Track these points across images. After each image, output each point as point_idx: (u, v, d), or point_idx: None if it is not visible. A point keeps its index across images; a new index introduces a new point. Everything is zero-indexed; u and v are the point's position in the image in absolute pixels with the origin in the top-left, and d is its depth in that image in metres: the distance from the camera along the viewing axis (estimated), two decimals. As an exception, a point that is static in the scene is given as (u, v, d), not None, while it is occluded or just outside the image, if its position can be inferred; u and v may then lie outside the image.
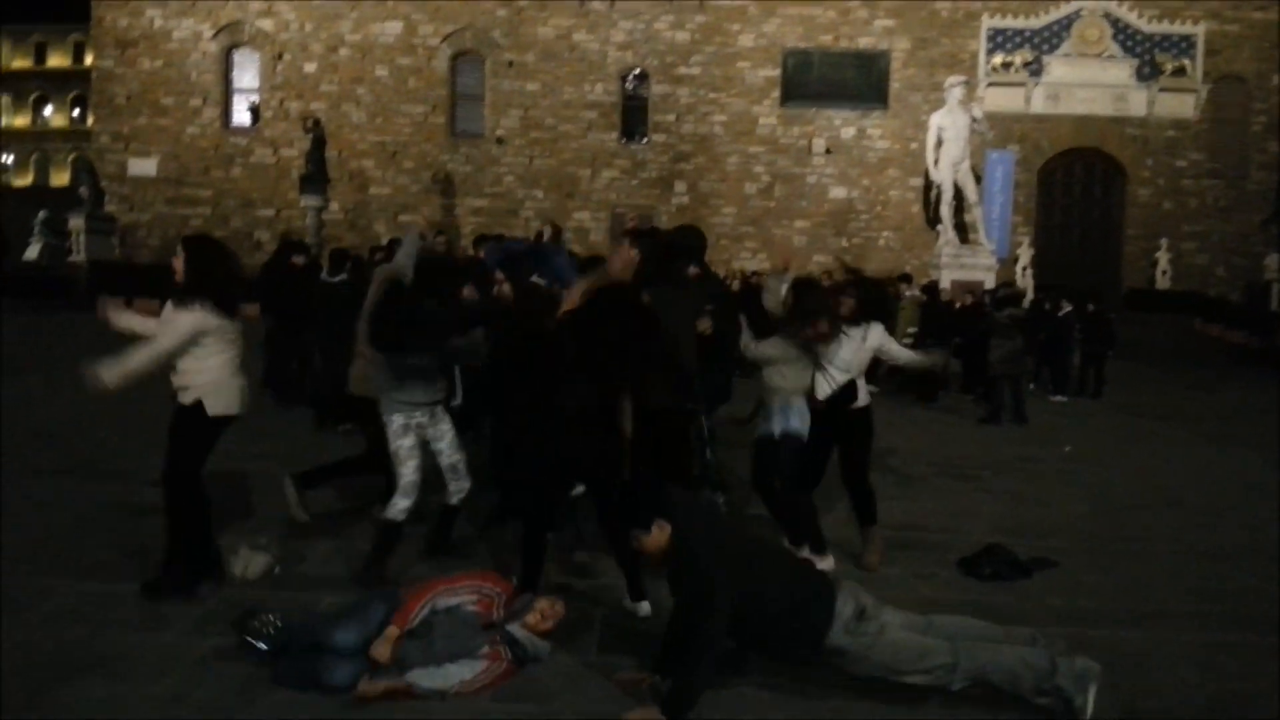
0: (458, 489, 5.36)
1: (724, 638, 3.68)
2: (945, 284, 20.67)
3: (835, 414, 5.56)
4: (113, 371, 4.50)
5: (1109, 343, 15.03)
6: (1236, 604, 5.26)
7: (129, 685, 3.70)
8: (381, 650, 3.75)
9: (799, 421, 5.48)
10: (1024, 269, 25.34)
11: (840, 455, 5.77)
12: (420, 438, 5.13)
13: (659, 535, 3.79)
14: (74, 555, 5.24)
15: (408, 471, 5.03)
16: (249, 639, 3.94)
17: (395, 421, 5.04)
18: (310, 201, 24.45)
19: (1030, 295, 24.52)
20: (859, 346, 5.57)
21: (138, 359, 4.55)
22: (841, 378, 5.50)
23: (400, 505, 5.04)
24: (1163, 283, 25.97)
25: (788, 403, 5.49)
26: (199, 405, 4.66)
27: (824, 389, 5.50)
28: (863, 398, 5.64)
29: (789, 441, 5.48)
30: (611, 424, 4.80)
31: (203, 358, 4.65)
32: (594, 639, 4.36)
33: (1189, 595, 5.40)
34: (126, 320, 5.03)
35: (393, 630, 3.82)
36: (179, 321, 4.64)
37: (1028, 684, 3.70)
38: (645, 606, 4.63)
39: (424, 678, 3.70)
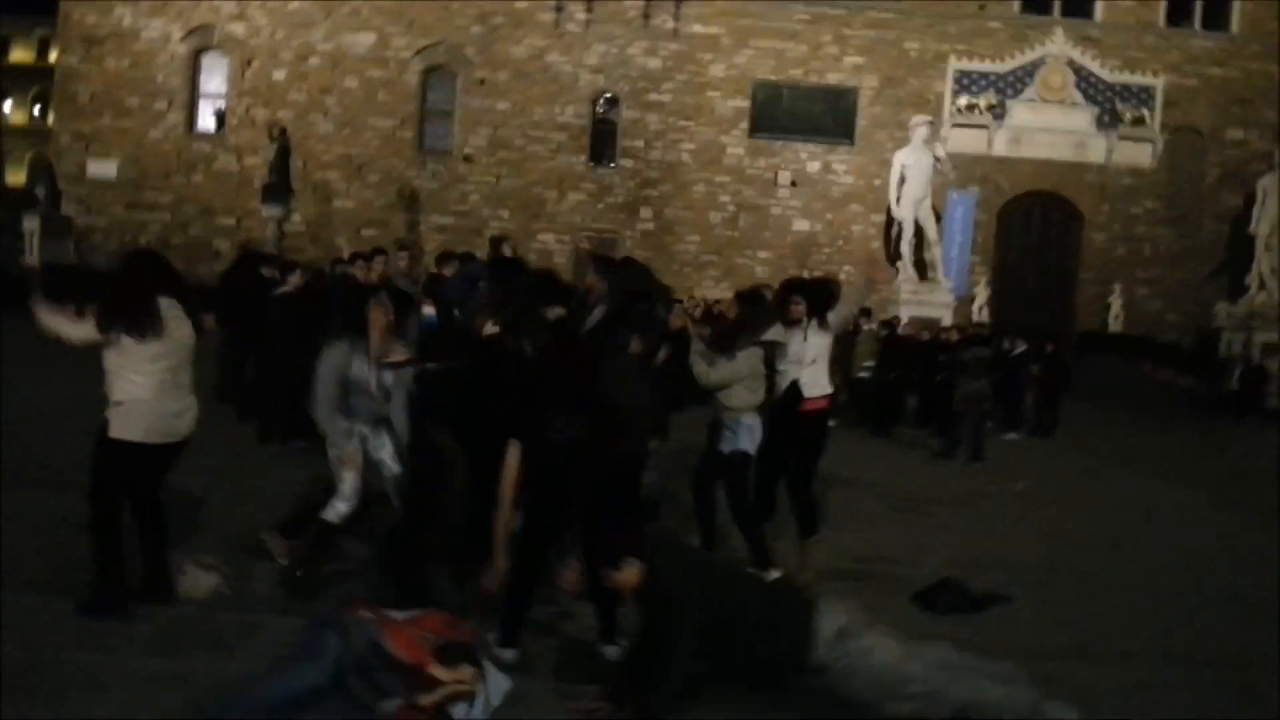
0: (395, 501, 5.29)
1: (687, 666, 3.65)
2: (904, 319, 20.92)
3: (789, 417, 5.85)
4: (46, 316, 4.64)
5: (1064, 383, 15.31)
6: (1184, 641, 5.37)
7: (70, 706, 3.60)
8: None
9: (748, 440, 5.77)
10: (980, 308, 25.77)
11: (790, 461, 6.00)
12: (361, 447, 5.10)
13: (631, 573, 3.78)
14: (15, 568, 5.08)
15: (351, 478, 5.02)
16: None
17: (339, 424, 5.03)
18: (272, 212, 24.17)
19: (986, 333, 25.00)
20: (803, 340, 5.93)
21: (57, 322, 4.70)
22: (793, 370, 5.83)
23: (338, 509, 5.02)
24: (1115, 326, 26.50)
25: (737, 421, 5.74)
26: (105, 426, 4.53)
27: (780, 386, 5.84)
28: (815, 390, 5.87)
29: (738, 458, 5.78)
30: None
31: (116, 378, 4.53)
32: (549, 667, 4.32)
33: (1138, 632, 5.49)
34: (54, 321, 4.87)
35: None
36: (77, 326, 4.62)
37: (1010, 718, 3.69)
38: (614, 650, 4.47)
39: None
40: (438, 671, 3.61)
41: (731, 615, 3.74)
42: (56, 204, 24.89)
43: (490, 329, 5.34)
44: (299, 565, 5.07)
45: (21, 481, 6.92)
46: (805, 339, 5.93)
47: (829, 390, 6.14)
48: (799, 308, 5.97)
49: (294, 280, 9.39)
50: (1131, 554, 7.49)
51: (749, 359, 5.75)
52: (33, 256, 23.77)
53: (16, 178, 48.19)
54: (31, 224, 23.92)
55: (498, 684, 3.74)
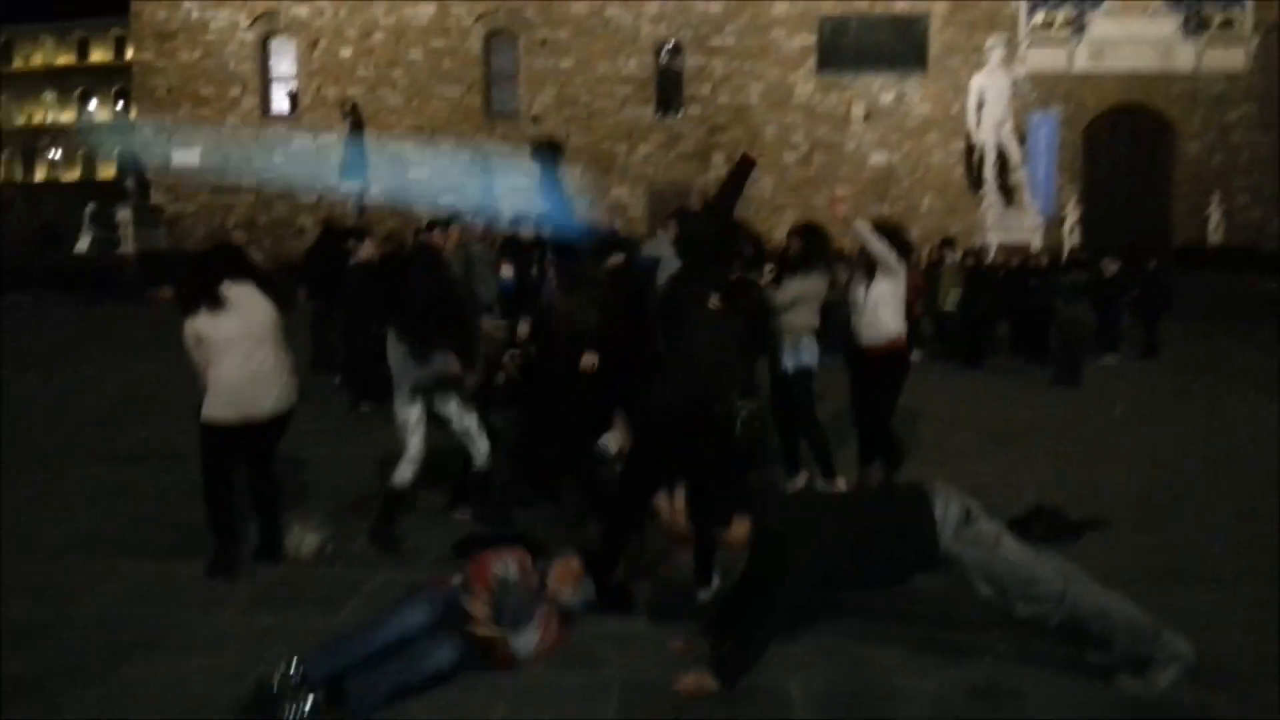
0: (477, 452, 5.50)
1: (789, 614, 3.68)
2: (991, 247, 20.38)
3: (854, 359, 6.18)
4: None
5: (1165, 302, 14.75)
6: (1290, 563, 5.17)
7: (191, 660, 3.80)
8: (483, 629, 3.71)
9: (810, 357, 6.27)
10: (1071, 229, 24.91)
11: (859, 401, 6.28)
12: (427, 408, 5.32)
13: (739, 529, 3.80)
14: (133, 537, 5.37)
15: (414, 442, 5.26)
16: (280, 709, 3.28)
17: (403, 390, 5.26)
18: (350, 186, 24.63)
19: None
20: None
21: None
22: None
23: (404, 473, 5.27)
24: (1215, 238, 25.37)
25: (799, 340, 6.22)
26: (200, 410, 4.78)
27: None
28: (878, 336, 5.97)
29: (802, 373, 6.26)
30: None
31: (204, 363, 4.76)
32: (642, 607, 4.39)
33: (1240, 555, 5.31)
34: None
35: (480, 606, 3.77)
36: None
37: (1122, 639, 3.63)
38: (706, 593, 4.54)
39: (516, 642, 3.73)
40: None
41: (852, 534, 3.72)
42: (146, 194, 25.75)
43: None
44: (376, 529, 5.28)
45: (133, 456, 7.27)
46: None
47: (889, 335, 6.03)
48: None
49: (366, 249, 9.56)
50: (1232, 475, 7.23)
51: (813, 282, 6.21)
52: (128, 246, 24.68)
53: (107, 172, 49.92)
54: (125, 214, 24.81)
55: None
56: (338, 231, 11.79)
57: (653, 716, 3.41)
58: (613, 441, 6.11)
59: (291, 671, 3.29)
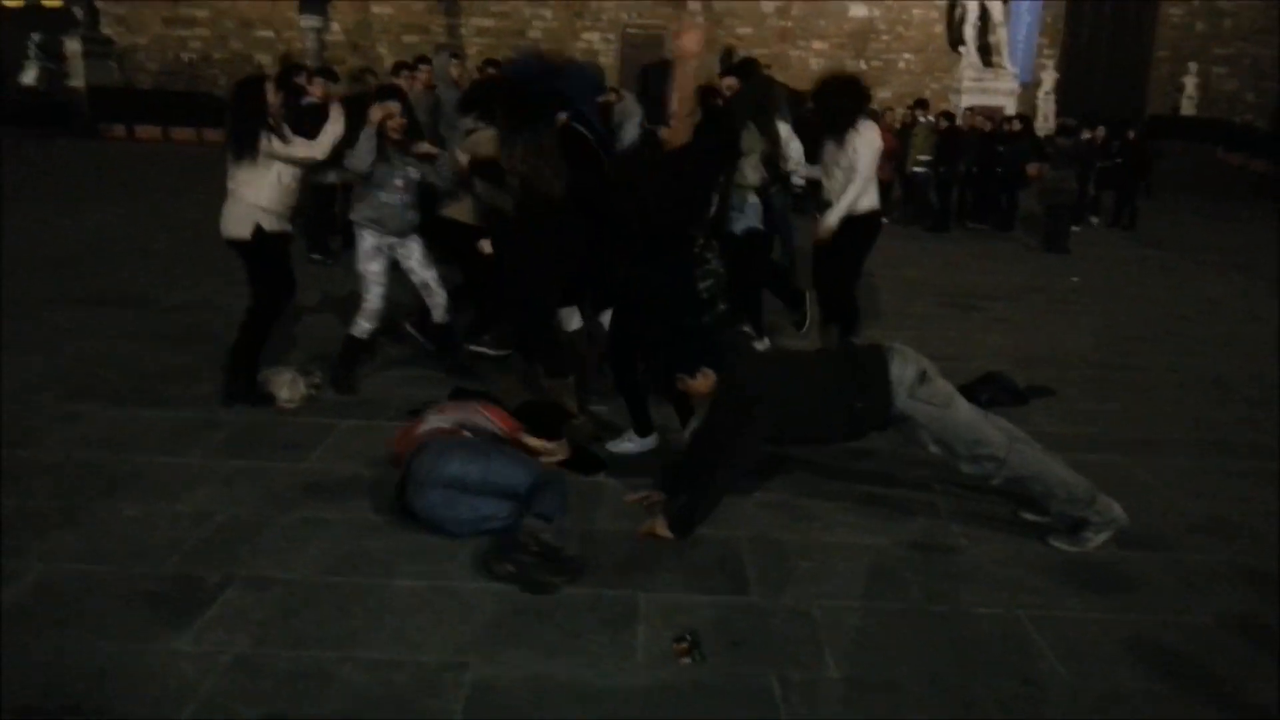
0: (434, 305, 5.56)
1: (745, 466, 3.83)
2: (965, 108, 20.07)
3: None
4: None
5: (1144, 172, 14.77)
6: (1232, 432, 5.40)
7: (160, 503, 3.89)
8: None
9: (755, 217, 5.98)
10: (1046, 94, 24.56)
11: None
12: (390, 259, 5.37)
13: (704, 381, 3.90)
14: (96, 382, 5.38)
15: (372, 297, 5.34)
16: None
17: (366, 241, 5.29)
18: (310, 22, 23.55)
19: (1051, 121, 23.94)
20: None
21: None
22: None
23: (363, 327, 5.39)
24: (1188, 108, 25.18)
25: (745, 199, 5.89)
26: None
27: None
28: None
29: (751, 235, 5.97)
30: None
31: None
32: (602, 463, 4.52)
33: (1185, 423, 5.53)
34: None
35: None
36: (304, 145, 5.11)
37: (1059, 502, 3.82)
38: (630, 446, 4.68)
39: None
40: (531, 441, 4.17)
41: (811, 391, 3.85)
42: (95, 24, 24.51)
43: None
44: (335, 375, 5.41)
45: (91, 299, 7.20)
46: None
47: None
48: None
49: (316, 90, 9.23)
50: (1183, 345, 7.44)
51: (749, 135, 5.75)
52: (78, 79, 23.65)
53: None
54: (73, 46, 23.67)
55: None
56: (294, 70, 11.33)
57: (609, 561, 3.56)
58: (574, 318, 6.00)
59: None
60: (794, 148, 6.60)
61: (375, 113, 5.11)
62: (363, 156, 5.09)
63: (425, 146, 5.46)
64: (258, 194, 4.98)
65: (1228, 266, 11.34)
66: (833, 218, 5.74)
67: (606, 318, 5.46)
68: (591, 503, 4.08)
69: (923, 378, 3.84)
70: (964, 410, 3.88)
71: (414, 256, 5.42)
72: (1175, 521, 4.18)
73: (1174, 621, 3.35)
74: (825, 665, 3.00)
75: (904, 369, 3.84)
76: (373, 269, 5.32)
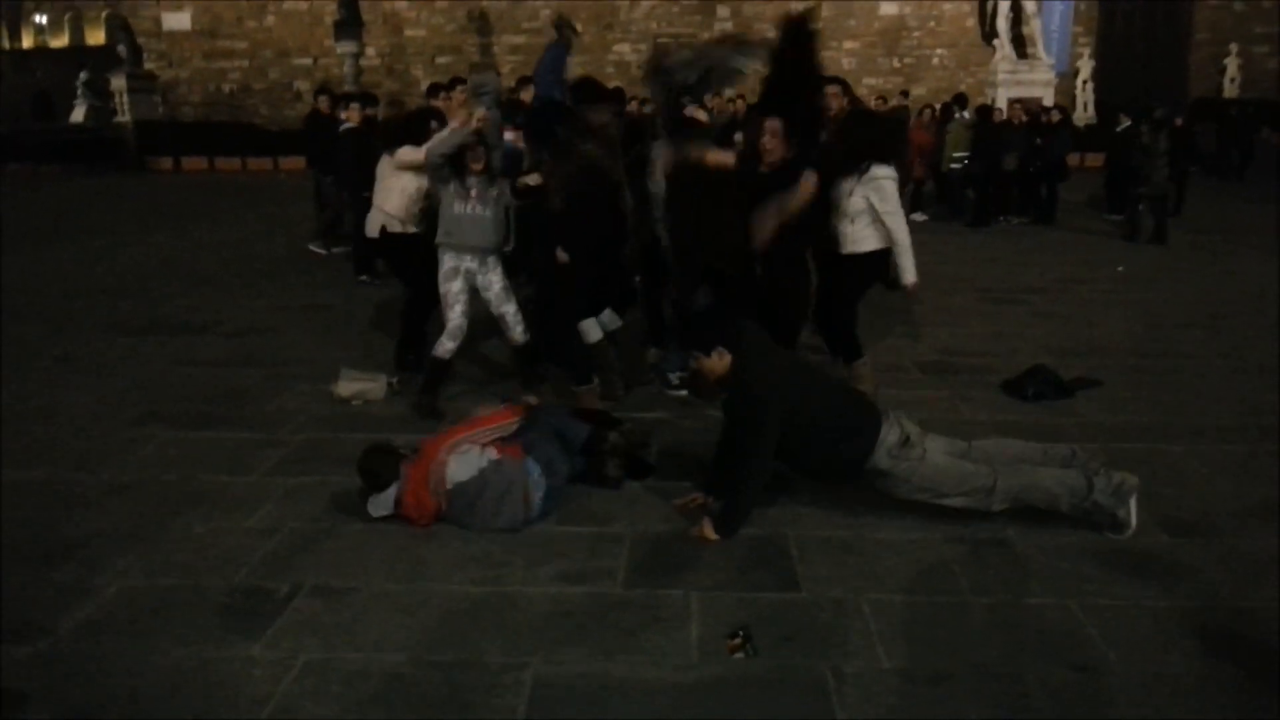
0: (514, 336, 5.60)
1: (771, 460, 3.88)
2: (1001, 102, 19.94)
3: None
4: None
5: (1193, 159, 14.57)
6: (1276, 418, 5.34)
7: (228, 520, 4.04)
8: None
9: None
10: (1084, 82, 24.33)
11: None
12: (470, 283, 5.38)
13: (718, 361, 3.96)
14: (158, 407, 5.57)
15: (453, 315, 5.35)
16: None
17: (445, 263, 5.33)
18: (346, 48, 24.06)
19: (1091, 110, 23.69)
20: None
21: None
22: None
23: (445, 345, 5.41)
24: (1231, 90, 24.76)
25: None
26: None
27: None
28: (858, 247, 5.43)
29: None
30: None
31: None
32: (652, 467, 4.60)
33: (1230, 409, 5.49)
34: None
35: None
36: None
37: (1066, 503, 3.87)
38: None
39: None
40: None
41: (810, 417, 3.91)
42: (138, 61, 25.20)
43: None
44: (419, 399, 5.46)
45: (144, 328, 7.44)
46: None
47: (869, 247, 5.42)
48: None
49: (353, 115, 9.46)
50: (1229, 331, 7.36)
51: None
52: (125, 115, 24.28)
53: (96, 38, 48.58)
54: (119, 83, 24.35)
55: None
56: (334, 97, 11.65)
57: (661, 563, 3.64)
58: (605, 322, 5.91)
59: None
60: None
61: (471, 118, 5.32)
62: (441, 141, 5.22)
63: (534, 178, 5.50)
64: (385, 200, 6.04)
65: (1274, 250, 11.16)
66: (909, 269, 5.45)
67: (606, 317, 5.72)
68: (643, 507, 4.16)
69: (905, 442, 3.94)
70: (941, 458, 3.96)
71: (493, 289, 5.43)
72: (1225, 508, 4.16)
73: (1225, 607, 3.35)
74: (877, 657, 3.05)
75: (888, 433, 3.94)
76: (452, 288, 5.33)
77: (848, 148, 5.44)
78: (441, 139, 5.24)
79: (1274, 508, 4.15)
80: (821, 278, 5.65)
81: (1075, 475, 3.90)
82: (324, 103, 11.52)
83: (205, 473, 4.55)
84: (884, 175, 5.28)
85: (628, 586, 3.48)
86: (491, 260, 5.42)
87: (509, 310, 5.51)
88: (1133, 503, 3.84)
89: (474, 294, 5.43)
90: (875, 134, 5.62)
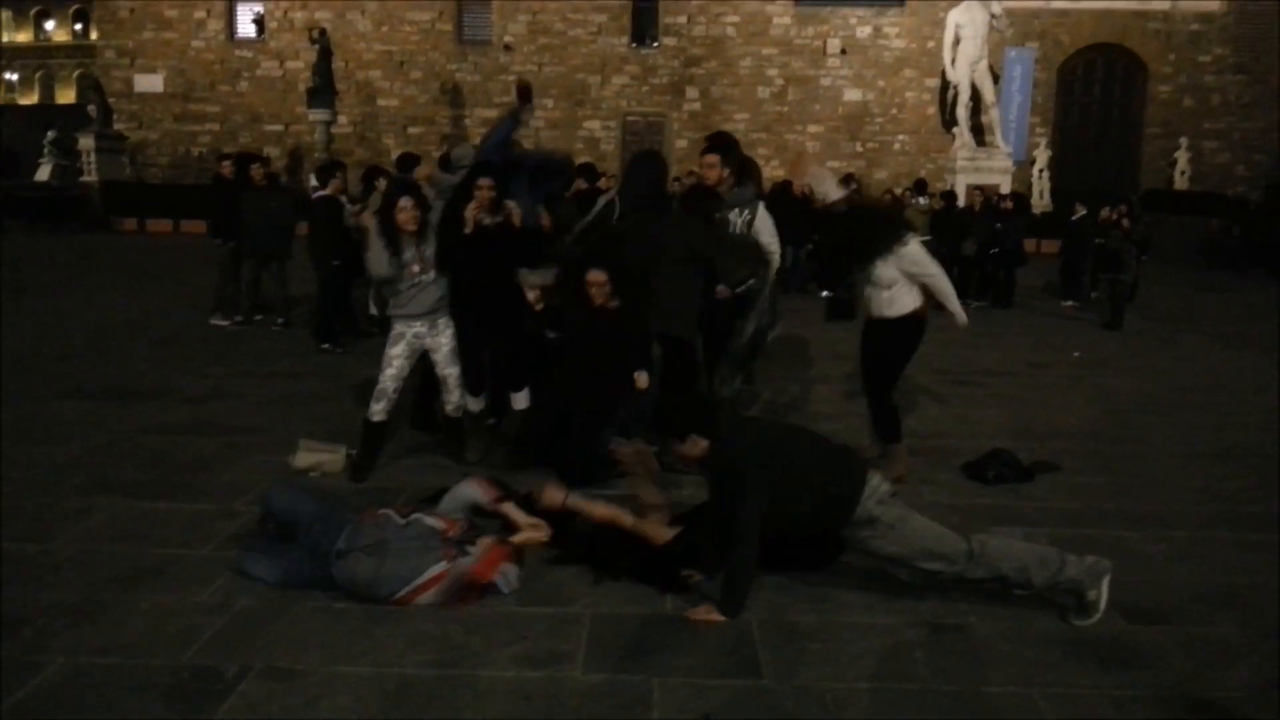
0: (449, 401, 5.66)
1: (758, 532, 3.84)
2: (960, 188, 20.46)
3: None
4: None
5: (1144, 247, 15.01)
6: (1235, 504, 5.43)
7: (178, 595, 3.92)
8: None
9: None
10: (1041, 171, 25.05)
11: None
12: (416, 349, 5.50)
13: (694, 446, 3.98)
14: (111, 475, 5.45)
15: (383, 378, 5.47)
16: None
17: (394, 329, 5.50)
18: (318, 115, 24.26)
19: (1047, 198, 24.35)
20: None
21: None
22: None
23: (373, 408, 5.49)
24: (1181, 183, 25.62)
25: None
26: None
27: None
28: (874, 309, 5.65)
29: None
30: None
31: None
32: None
33: (1188, 495, 5.56)
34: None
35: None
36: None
37: (1038, 577, 3.87)
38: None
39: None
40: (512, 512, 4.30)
41: (797, 472, 3.93)
42: (108, 121, 25.21)
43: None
44: (354, 463, 5.53)
45: (105, 392, 7.31)
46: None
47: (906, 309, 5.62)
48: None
49: (334, 186, 9.55)
50: (1186, 418, 7.50)
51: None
52: (91, 174, 24.18)
53: (66, 96, 48.66)
54: (87, 142, 24.31)
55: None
56: (238, 159, 11.47)
57: (622, 645, 3.58)
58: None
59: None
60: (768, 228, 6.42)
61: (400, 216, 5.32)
62: (377, 261, 5.30)
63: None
64: None
65: (1227, 337, 11.45)
66: (959, 312, 5.80)
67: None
68: (605, 587, 4.11)
69: (893, 494, 4.00)
70: (921, 518, 4.03)
71: (442, 350, 5.52)
72: (1183, 595, 4.19)
73: (1186, 695, 3.35)
74: (839, 748, 3.01)
75: (881, 482, 3.99)
76: (392, 353, 5.46)
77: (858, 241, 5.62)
78: (376, 258, 5.31)
79: (1233, 595, 4.19)
80: (863, 346, 5.81)
81: (1048, 549, 3.93)
82: (227, 167, 11.24)
83: (156, 546, 4.43)
84: (912, 248, 5.55)
85: (588, 670, 3.42)
86: (442, 323, 5.50)
87: (453, 374, 5.58)
88: (1104, 585, 3.85)
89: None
90: (879, 223, 5.78)
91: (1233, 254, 20.24)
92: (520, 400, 5.92)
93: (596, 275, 5.41)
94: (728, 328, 6.16)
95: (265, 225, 10.18)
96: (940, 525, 4.02)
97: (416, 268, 5.34)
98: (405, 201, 5.30)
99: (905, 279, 5.52)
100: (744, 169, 6.31)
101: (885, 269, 5.49)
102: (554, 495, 4.50)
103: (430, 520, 4.12)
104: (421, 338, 5.47)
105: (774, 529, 3.94)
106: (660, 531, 4.35)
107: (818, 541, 4.19)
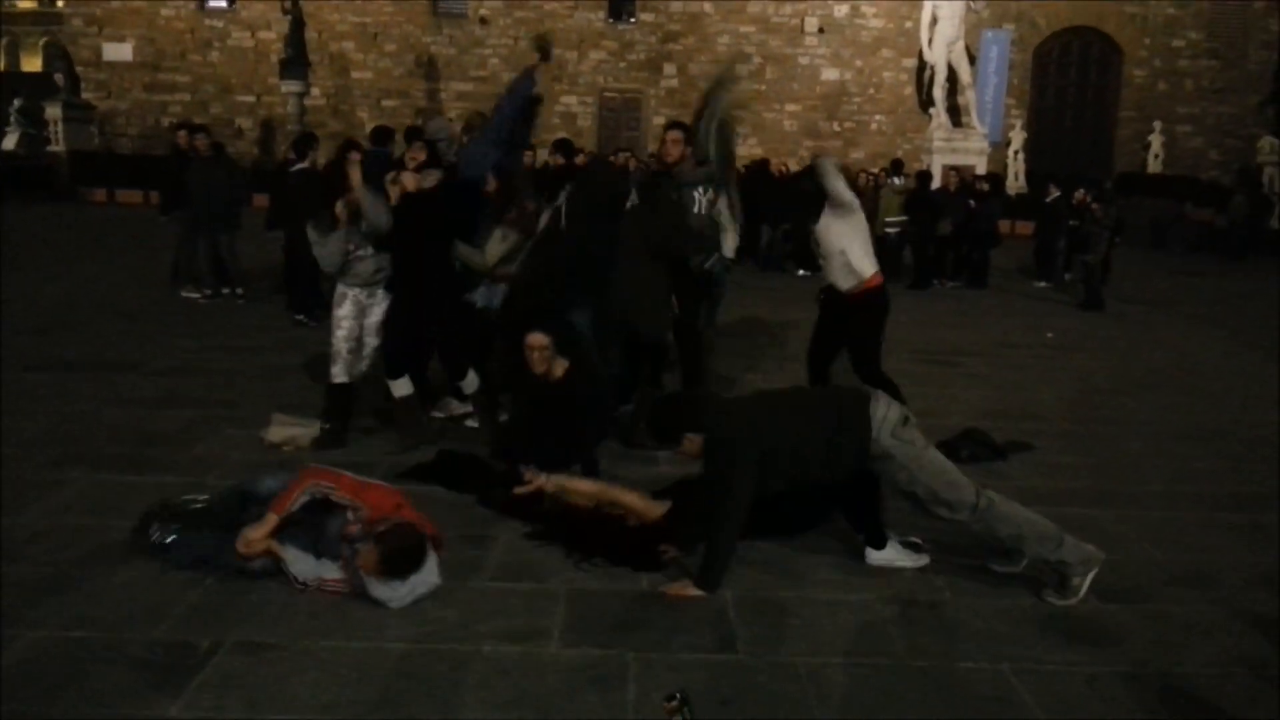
0: (358, 360, 5.65)
1: (746, 506, 3.85)
2: (936, 169, 20.52)
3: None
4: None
5: (1116, 230, 15.15)
6: (1205, 484, 5.50)
7: (149, 570, 3.87)
8: (254, 532, 3.77)
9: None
10: (1016, 152, 25.17)
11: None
12: (358, 310, 5.54)
13: (691, 444, 3.97)
14: (82, 447, 5.38)
15: (336, 339, 5.55)
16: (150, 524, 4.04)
17: (338, 291, 5.59)
18: (291, 87, 23.91)
19: (1022, 180, 24.49)
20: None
21: None
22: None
23: (333, 370, 5.55)
24: (1155, 166, 25.84)
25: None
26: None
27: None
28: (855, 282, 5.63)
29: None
30: None
31: None
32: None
33: (1160, 476, 5.63)
34: None
35: (271, 517, 3.80)
36: None
37: (1032, 546, 3.91)
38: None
39: (296, 559, 3.74)
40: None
41: (795, 426, 3.93)
42: (76, 90, 24.74)
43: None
44: (321, 429, 5.54)
45: (74, 364, 7.20)
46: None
47: (865, 278, 5.61)
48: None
49: (312, 159, 9.48)
50: (1157, 398, 7.59)
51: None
52: (59, 144, 23.78)
53: (33, 65, 47.62)
54: (54, 111, 23.86)
55: (429, 577, 3.80)
56: (191, 129, 11.28)
57: (599, 621, 3.58)
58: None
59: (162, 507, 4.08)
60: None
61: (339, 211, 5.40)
62: (329, 259, 5.44)
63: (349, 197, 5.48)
64: None
65: (1197, 319, 11.58)
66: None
67: None
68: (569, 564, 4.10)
69: (905, 420, 3.97)
70: (939, 455, 4.04)
71: (372, 316, 5.59)
72: (1155, 574, 4.25)
73: (1157, 672, 3.40)
74: (814, 722, 3.03)
75: (888, 410, 3.95)
76: (339, 313, 5.56)
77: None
78: (331, 252, 5.41)
79: (1202, 574, 4.25)
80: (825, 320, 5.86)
81: (1050, 526, 3.94)
82: (184, 137, 11.10)
83: (126, 519, 4.36)
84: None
85: (564, 645, 3.42)
86: (380, 294, 5.57)
87: (370, 343, 5.62)
88: (1090, 576, 3.89)
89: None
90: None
91: (1221, 240, 20.39)
92: (469, 384, 5.79)
93: (536, 339, 5.02)
94: (696, 309, 6.22)
95: (211, 196, 10.09)
96: (955, 468, 4.01)
97: (351, 247, 5.45)
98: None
99: (852, 244, 5.52)
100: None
101: (826, 235, 5.53)
102: (534, 474, 4.50)
103: (341, 513, 3.89)
104: (360, 304, 5.55)
105: (794, 487, 4.01)
106: (650, 506, 4.36)
107: (808, 502, 4.21)
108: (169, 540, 3.92)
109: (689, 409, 4.13)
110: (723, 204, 6.30)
